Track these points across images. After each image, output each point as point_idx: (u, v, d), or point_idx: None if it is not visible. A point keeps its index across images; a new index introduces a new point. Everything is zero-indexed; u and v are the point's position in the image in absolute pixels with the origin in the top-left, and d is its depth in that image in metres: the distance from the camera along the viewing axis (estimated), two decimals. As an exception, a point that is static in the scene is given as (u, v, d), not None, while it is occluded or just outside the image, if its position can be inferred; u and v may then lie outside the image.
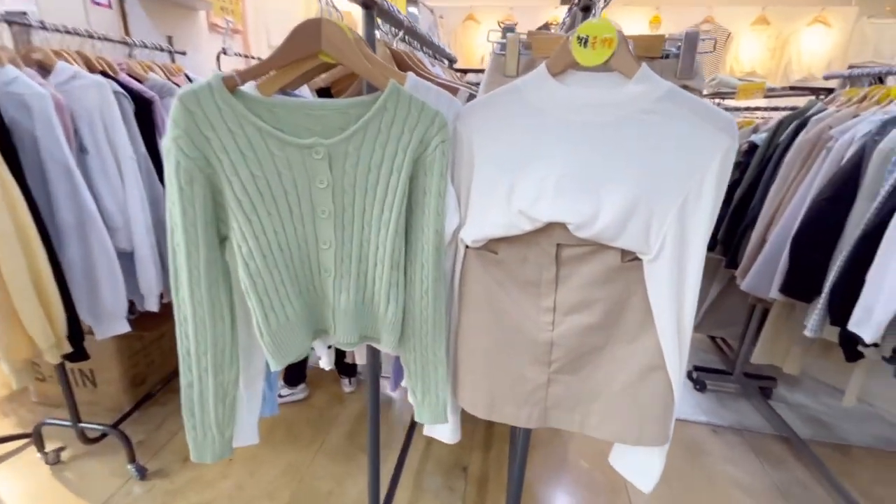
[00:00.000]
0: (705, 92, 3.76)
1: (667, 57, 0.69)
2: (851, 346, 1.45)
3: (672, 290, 0.68)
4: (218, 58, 2.29)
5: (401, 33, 1.04)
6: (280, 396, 1.97)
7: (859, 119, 1.63)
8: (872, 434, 2.24)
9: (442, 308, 0.83)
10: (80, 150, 1.44)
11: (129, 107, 1.56)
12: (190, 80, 2.01)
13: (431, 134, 0.74)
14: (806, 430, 2.22)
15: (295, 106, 0.69)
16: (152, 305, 1.64)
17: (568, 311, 0.77)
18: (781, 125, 2.00)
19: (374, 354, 1.06)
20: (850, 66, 4.87)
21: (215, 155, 0.66)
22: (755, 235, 1.85)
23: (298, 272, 0.77)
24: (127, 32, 2.09)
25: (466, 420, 0.97)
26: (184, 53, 2.12)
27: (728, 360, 2.75)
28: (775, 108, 2.66)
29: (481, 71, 3.09)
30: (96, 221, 1.41)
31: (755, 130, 2.44)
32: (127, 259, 1.56)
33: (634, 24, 4.67)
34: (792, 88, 2.21)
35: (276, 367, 0.77)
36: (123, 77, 1.67)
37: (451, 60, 1.83)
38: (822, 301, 1.50)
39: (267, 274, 0.72)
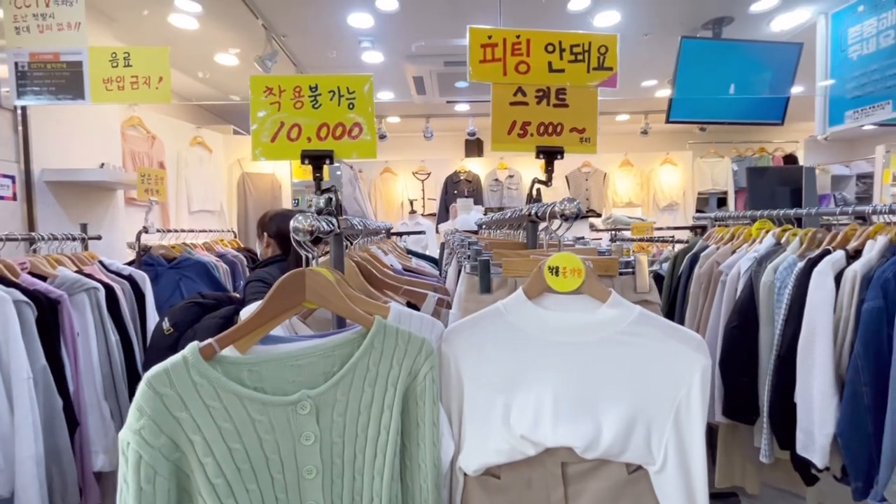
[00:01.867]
0: (602, 226, 4.38)
1: (622, 274, 0.79)
2: (805, 470, 1.53)
3: (683, 496, 0.68)
4: (138, 237, 2.18)
5: (360, 239, 1.09)
6: None
7: (738, 256, 1.96)
8: (836, 539, 2.27)
9: (446, 552, 0.73)
10: (-42, 379, 1.19)
11: (32, 315, 1.37)
12: (104, 265, 1.86)
13: (420, 363, 0.72)
14: (780, 548, 2.19)
15: (277, 359, 0.65)
16: (31, 569, 1.25)
17: (584, 533, 0.72)
18: (677, 259, 2.33)
19: None
20: (699, 193, 5.97)
21: (186, 437, 0.57)
22: (686, 362, 2.01)
23: (280, 552, 0.64)
24: (32, 222, 1.93)
25: None
26: (99, 238, 1.99)
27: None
28: (660, 239, 3.13)
29: (414, 233, 3.33)
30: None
31: (653, 261, 2.83)
32: (0, 508, 1.22)
33: (527, 168, 5.47)
34: (676, 228, 2.64)
35: None
36: (25, 278, 1.49)
37: (388, 230, 1.94)
38: (765, 425, 1.60)
39: (243, 570, 0.59)
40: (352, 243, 1.07)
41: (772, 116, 2.63)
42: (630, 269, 0.79)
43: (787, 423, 1.52)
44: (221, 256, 2.65)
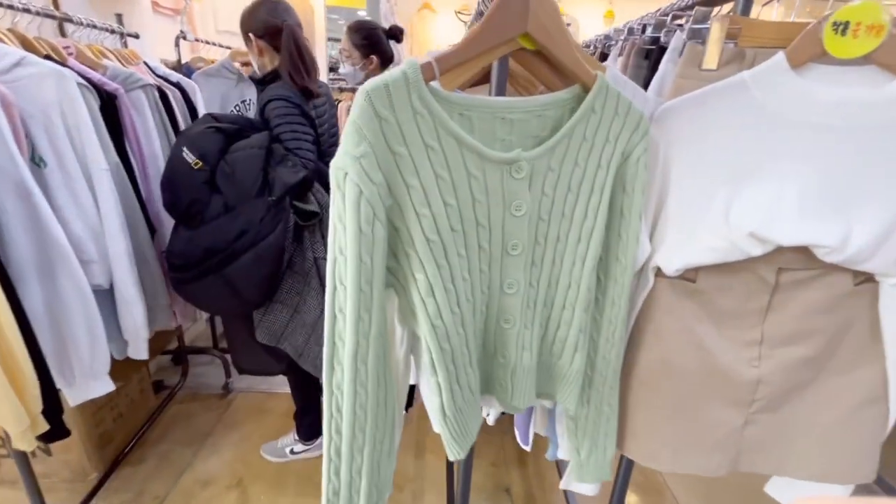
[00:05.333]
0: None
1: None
2: None
3: (916, 315, 0.60)
4: (177, 43, 1.91)
5: None
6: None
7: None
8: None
9: (622, 351, 0.69)
10: (34, 162, 1.09)
11: (95, 103, 1.21)
12: (151, 69, 1.64)
13: (634, 142, 0.59)
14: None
15: (488, 107, 0.51)
16: (140, 352, 1.31)
17: (778, 343, 0.66)
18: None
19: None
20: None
21: (402, 181, 0.46)
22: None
23: (478, 327, 0.58)
24: (57, 6, 1.65)
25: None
26: (136, 36, 1.73)
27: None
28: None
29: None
30: (66, 254, 1.08)
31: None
32: (101, 298, 1.22)
33: (588, 18, 4.75)
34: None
35: (456, 456, 0.58)
36: (74, 64, 1.30)
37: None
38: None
39: (455, 336, 0.53)
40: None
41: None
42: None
43: None
44: (262, 81, 2.39)
